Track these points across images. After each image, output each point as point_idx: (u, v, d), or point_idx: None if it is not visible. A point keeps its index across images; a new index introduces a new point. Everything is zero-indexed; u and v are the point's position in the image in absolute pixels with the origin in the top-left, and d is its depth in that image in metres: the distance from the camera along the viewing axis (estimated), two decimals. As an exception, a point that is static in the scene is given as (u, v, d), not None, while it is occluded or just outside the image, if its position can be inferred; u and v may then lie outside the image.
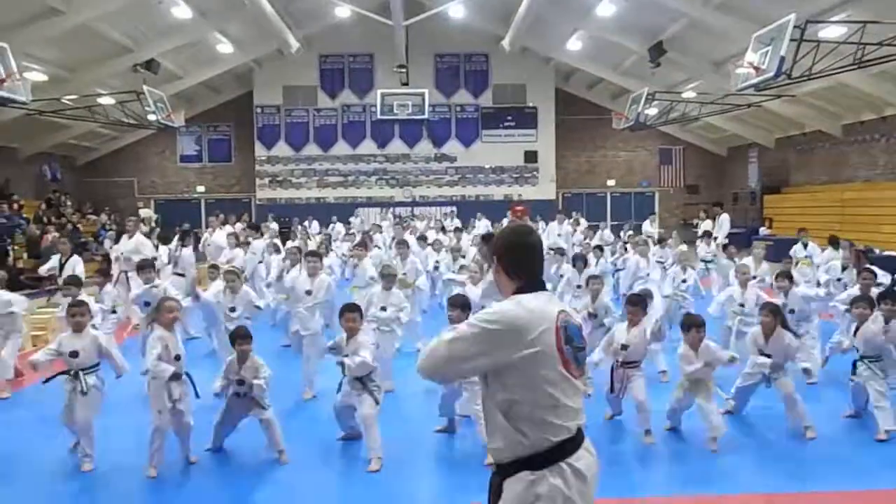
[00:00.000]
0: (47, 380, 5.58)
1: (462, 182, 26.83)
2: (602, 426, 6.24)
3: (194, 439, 5.57)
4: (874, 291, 7.25)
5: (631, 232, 17.89)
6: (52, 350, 5.56)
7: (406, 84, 24.00)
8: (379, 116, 24.73)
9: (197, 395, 5.54)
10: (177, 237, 12.65)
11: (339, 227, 21.02)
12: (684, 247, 12.67)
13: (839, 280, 9.39)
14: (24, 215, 19.82)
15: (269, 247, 13.06)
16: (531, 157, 26.72)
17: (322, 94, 26.37)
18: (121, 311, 9.31)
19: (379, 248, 14.23)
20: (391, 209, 25.83)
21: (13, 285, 12.02)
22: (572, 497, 2.51)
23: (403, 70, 22.96)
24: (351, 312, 5.67)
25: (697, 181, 27.98)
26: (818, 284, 9.59)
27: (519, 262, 2.71)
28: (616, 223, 23.15)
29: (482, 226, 19.02)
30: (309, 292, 7.54)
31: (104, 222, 23.02)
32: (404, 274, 9.63)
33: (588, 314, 7.47)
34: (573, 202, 26.54)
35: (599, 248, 13.04)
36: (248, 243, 13.18)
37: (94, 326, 6.13)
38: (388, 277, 7.90)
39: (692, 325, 5.97)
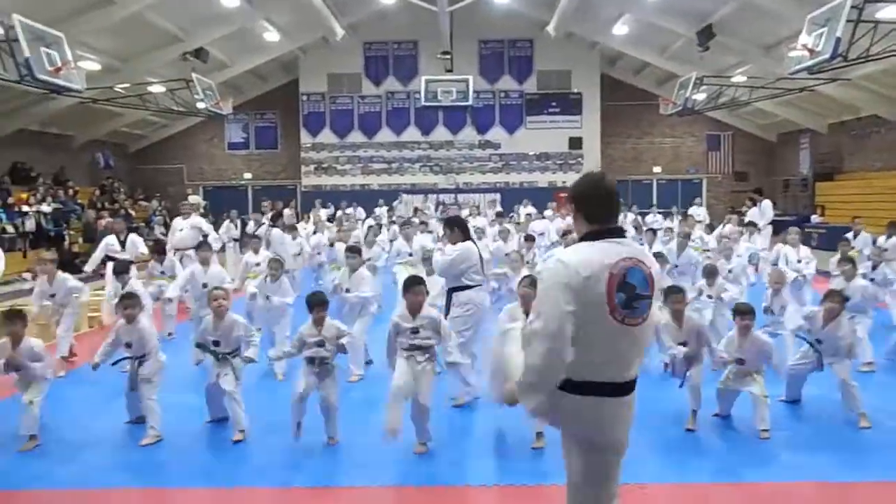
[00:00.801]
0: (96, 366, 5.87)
1: (506, 169, 26.74)
2: (649, 412, 6.20)
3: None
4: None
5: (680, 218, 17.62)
6: (108, 344, 5.86)
7: (450, 70, 23.95)
8: (423, 103, 24.68)
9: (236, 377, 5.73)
10: (268, 218, 13.12)
11: (381, 212, 21.15)
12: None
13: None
14: (80, 201, 20.38)
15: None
16: (576, 143, 26.49)
17: (366, 81, 26.50)
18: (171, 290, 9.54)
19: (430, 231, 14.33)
20: (435, 196, 25.89)
21: (70, 269, 12.42)
22: (599, 420, 2.80)
23: (447, 56, 22.92)
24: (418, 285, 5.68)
25: (746, 168, 27.43)
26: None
27: (590, 208, 2.84)
28: (662, 211, 22.85)
29: (524, 213, 18.92)
30: (348, 290, 7.59)
31: (155, 208, 23.54)
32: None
33: None
34: (619, 189, 26.16)
35: (652, 230, 12.97)
36: (294, 228, 13.42)
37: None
38: (427, 261, 7.97)
39: (738, 312, 5.95)
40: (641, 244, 10.47)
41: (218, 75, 22.01)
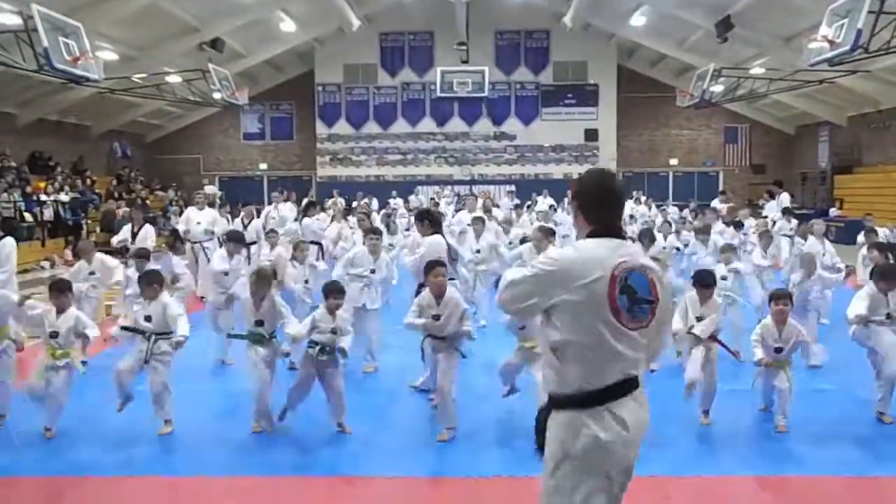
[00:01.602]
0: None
1: (521, 160, 26.67)
2: (666, 406, 6.18)
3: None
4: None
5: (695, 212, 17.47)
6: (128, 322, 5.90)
7: (466, 62, 23.91)
8: (438, 94, 24.72)
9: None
10: (303, 206, 13.27)
11: (397, 203, 21.17)
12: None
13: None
14: (97, 191, 20.54)
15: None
16: (591, 135, 26.37)
17: (382, 72, 26.48)
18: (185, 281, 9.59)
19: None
20: (450, 187, 25.87)
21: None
22: (609, 442, 2.57)
23: (464, 48, 22.86)
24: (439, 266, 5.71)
25: (764, 160, 27.21)
26: None
27: (592, 206, 2.76)
28: (678, 203, 22.73)
29: (545, 204, 18.76)
30: (373, 270, 7.64)
31: (171, 198, 23.68)
32: (477, 252, 9.68)
33: None
34: (634, 182, 26.09)
35: (668, 223, 12.88)
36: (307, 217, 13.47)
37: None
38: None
39: (772, 297, 5.85)
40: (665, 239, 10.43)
41: (234, 65, 22.07)
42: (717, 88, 20.86)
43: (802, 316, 7.21)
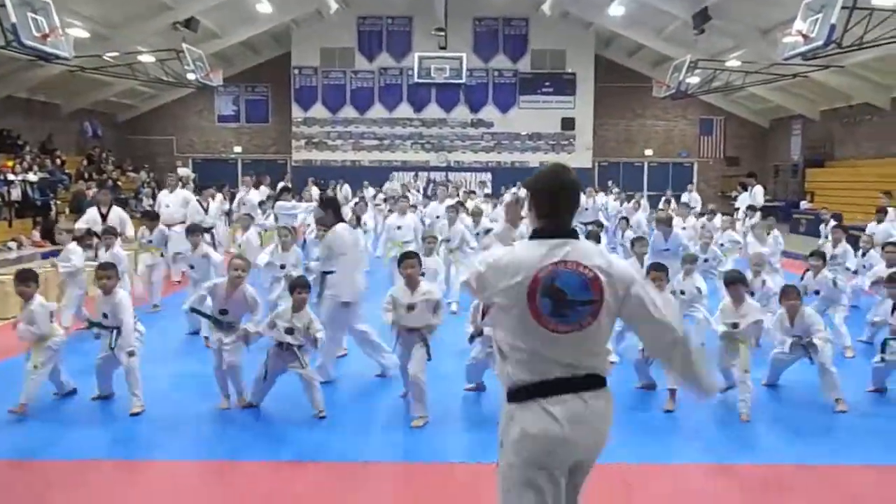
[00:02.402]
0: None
1: (498, 148, 26.64)
2: (632, 393, 6.24)
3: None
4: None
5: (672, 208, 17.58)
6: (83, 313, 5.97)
7: (444, 48, 23.80)
8: (416, 80, 24.66)
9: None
10: (277, 190, 13.27)
11: (370, 192, 21.05)
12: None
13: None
14: (67, 171, 20.17)
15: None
16: (568, 124, 26.41)
17: (360, 56, 26.26)
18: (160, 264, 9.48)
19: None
20: (426, 174, 25.81)
21: (53, 239, 12.33)
22: (536, 436, 2.54)
23: (442, 33, 22.74)
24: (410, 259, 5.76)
25: (738, 153, 27.44)
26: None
27: (542, 202, 2.68)
28: (653, 194, 22.89)
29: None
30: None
31: (144, 180, 23.34)
32: (447, 240, 9.71)
33: None
34: (609, 171, 26.24)
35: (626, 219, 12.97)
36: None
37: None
38: (428, 240, 8.01)
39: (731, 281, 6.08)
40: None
41: (208, 46, 21.74)
42: (694, 80, 20.99)
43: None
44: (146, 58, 19.34)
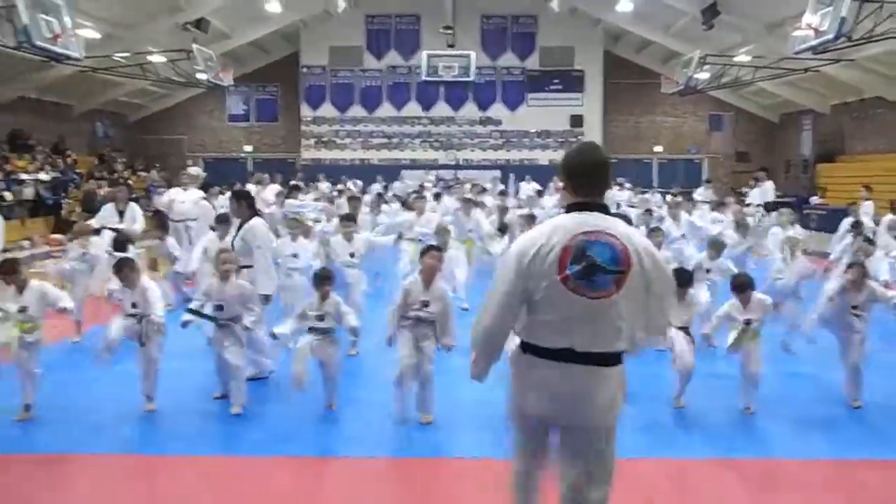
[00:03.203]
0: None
1: (507, 146, 26.64)
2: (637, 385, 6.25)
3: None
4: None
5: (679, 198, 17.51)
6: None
7: (452, 46, 23.83)
8: (424, 78, 24.68)
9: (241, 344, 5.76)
10: (288, 188, 13.39)
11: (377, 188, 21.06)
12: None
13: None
14: (78, 170, 20.33)
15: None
16: (577, 121, 26.37)
17: (368, 55, 26.31)
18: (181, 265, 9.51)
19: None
20: (435, 172, 25.81)
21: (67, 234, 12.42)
22: (535, 390, 2.85)
23: (450, 31, 22.79)
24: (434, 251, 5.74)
25: (748, 148, 27.34)
26: None
27: (575, 177, 2.82)
28: (663, 190, 22.81)
29: (529, 189, 18.72)
30: (352, 254, 7.68)
31: (154, 179, 23.48)
32: (469, 231, 9.78)
33: None
34: (619, 168, 26.08)
35: (649, 211, 12.87)
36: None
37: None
38: (442, 233, 8.05)
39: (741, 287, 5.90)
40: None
41: (219, 46, 21.85)
42: (703, 75, 20.92)
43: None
44: (157, 58, 19.46)
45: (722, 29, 19.63)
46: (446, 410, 5.60)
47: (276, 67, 26.98)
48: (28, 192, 17.07)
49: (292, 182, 17.05)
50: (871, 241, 8.21)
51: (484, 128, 26.65)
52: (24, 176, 17.30)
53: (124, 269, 5.84)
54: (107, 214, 9.90)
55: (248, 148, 27.61)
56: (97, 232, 8.95)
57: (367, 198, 14.43)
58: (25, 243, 15.15)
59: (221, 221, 8.34)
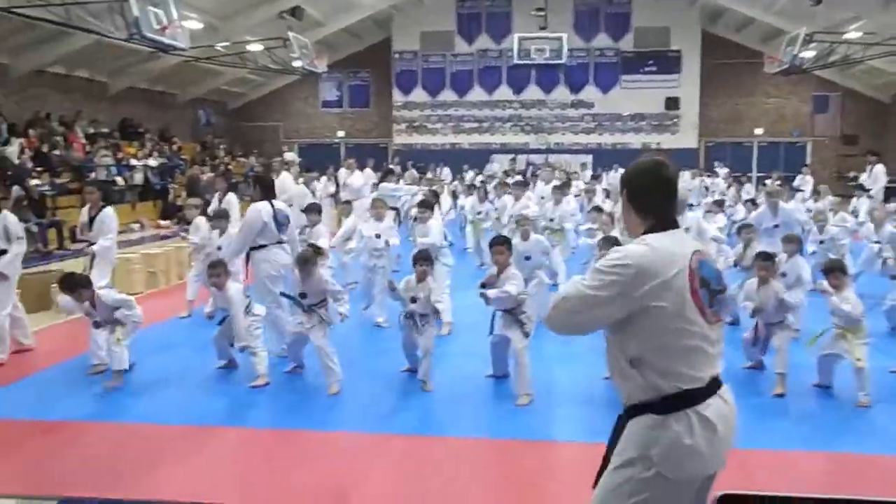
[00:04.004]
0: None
1: (599, 129, 26.19)
2: (740, 374, 6.09)
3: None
4: None
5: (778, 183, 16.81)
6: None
7: (544, 28, 23.54)
8: (515, 61, 24.51)
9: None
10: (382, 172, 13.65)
11: (470, 175, 21.16)
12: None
13: None
14: (183, 157, 21.23)
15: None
16: (672, 103, 25.66)
17: (459, 39, 26.33)
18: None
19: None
20: (524, 156, 25.70)
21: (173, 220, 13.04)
22: (695, 445, 2.32)
23: (542, 13, 22.52)
24: (500, 245, 5.77)
25: (856, 131, 25.90)
26: None
27: (646, 200, 2.52)
28: (762, 175, 21.97)
29: (617, 177, 18.37)
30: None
31: (252, 165, 24.26)
32: (551, 220, 9.74)
33: (734, 263, 7.27)
34: (716, 151, 25.37)
35: (752, 201, 12.41)
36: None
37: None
38: (521, 222, 8.00)
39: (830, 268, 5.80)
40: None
41: (313, 34, 22.32)
42: (808, 54, 19.94)
43: None
44: (255, 47, 20.05)
45: (830, 5, 18.61)
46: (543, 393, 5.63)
47: (368, 53, 27.35)
48: (138, 178, 17.93)
49: (389, 166, 17.33)
50: None
51: (576, 111, 26.27)
52: (134, 162, 18.18)
53: (212, 272, 6.15)
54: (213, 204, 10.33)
55: (341, 133, 28.16)
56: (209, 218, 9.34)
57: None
58: (135, 226, 15.96)
59: (310, 211, 8.61)
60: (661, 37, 25.47)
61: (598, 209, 9.38)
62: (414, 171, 19.73)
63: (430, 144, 26.48)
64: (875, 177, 16.85)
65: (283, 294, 6.23)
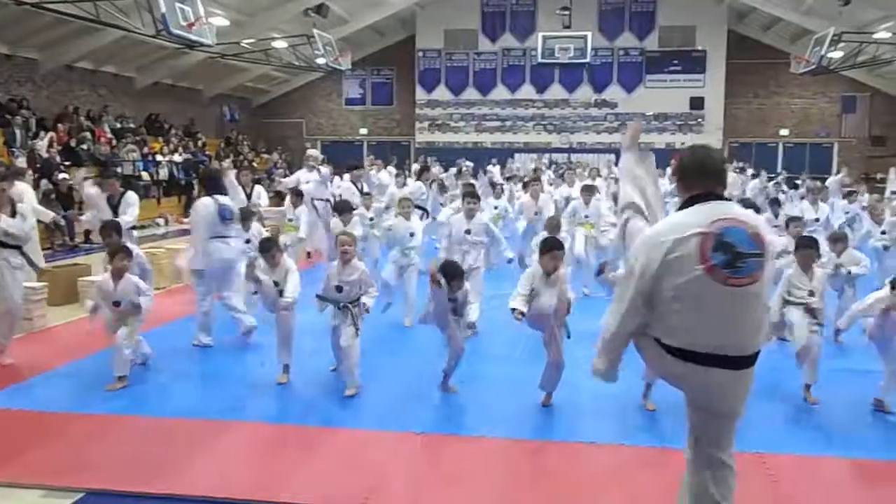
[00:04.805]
0: None
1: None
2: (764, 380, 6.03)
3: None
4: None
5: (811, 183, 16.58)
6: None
7: (568, 27, 23.48)
8: (539, 60, 24.46)
9: (356, 328, 5.77)
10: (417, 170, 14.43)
11: (495, 171, 21.08)
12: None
13: None
14: (207, 152, 21.43)
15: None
16: (697, 103, 25.46)
17: (483, 37, 26.30)
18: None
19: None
20: (548, 156, 25.61)
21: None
22: (689, 379, 2.81)
23: (566, 12, 22.48)
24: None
25: (885, 132, 25.54)
26: None
27: (690, 178, 2.89)
28: (790, 176, 21.72)
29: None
30: (468, 231, 7.72)
31: (276, 161, 24.43)
32: (586, 217, 9.74)
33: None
34: (741, 152, 25.11)
35: (776, 201, 12.25)
36: (405, 184, 13.71)
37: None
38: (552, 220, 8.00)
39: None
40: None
41: (338, 31, 22.42)
42: (836, 54, 19.72)
43: None
44: (279, 44, 20.18)
45: (859, 4, 18.40)
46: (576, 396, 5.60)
47: (392, 51, 27.40)
48: (163, 173, 18.15)
49: (419, 164, 17.37)
50: None
51: (599, 110, 26.16)
52: (159, 157, 18.40)
53: (267, 248, 6.14)
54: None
55: (364, 131, 28.25)
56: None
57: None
58: (160, 220, 16.15)
59: (343, 210, 8.68)
60: (687, 36, 25.27)
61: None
62: (437, 169, 19.62)
63: (453, 142, 26.47)
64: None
65: (317, 296, 6.15)
